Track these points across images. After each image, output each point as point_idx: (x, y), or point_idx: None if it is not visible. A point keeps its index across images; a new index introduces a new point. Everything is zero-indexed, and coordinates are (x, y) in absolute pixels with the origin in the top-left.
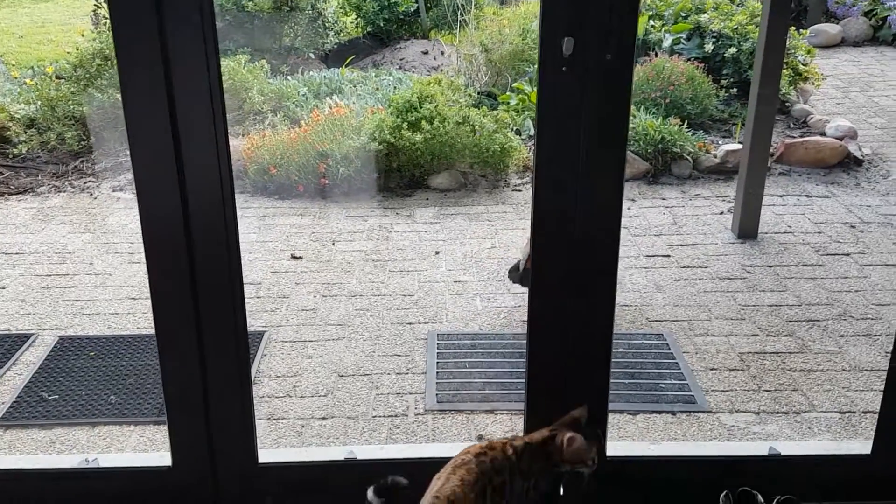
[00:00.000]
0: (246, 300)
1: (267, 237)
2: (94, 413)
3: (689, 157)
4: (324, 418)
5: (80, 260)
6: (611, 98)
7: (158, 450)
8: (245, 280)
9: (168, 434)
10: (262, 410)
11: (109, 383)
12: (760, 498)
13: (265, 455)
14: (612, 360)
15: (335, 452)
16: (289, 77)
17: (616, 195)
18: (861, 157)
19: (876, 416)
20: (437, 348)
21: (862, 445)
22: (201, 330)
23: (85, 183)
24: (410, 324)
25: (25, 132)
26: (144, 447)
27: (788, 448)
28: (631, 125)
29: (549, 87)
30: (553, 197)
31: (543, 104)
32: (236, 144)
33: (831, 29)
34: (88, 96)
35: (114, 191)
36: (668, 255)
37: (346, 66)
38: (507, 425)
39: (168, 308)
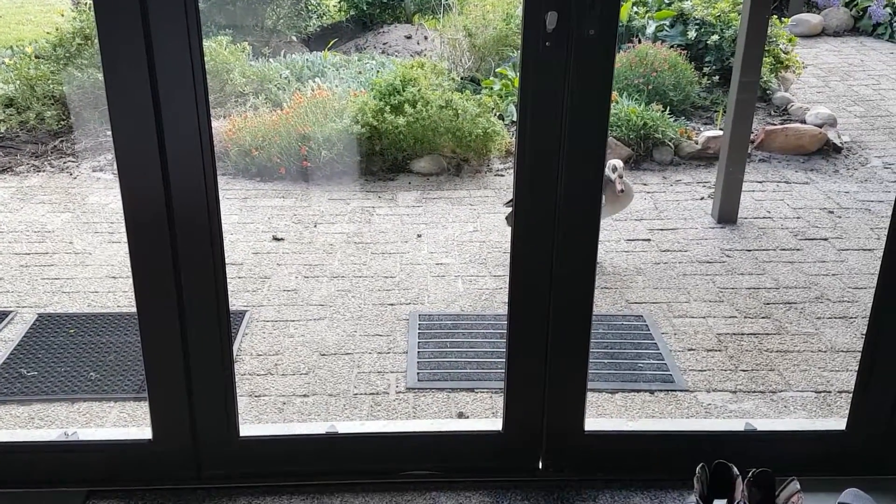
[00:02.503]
0: (228, 280)
1: (248, 219)
2: (73, 389)
3: (670, 144)
4: (305, 396)
5: (60, 239)
6: (593, 73)
7: (139, 425)
8: (227, 261)
9: (148, 407)
10: (243, 388)
11: (89, 360)
12: (736, 471)
13: (246, 430)
14: (592, 340)
15: (316, 427)
16: (271, 60)
17: (597, 169)
18: (840, 145)
19: (850, 395)
20: (419, 328)
21: (836, 422)
22: (183, 307)
23: (64, 163)
24: (392, 305)
25: (4, 111)
26: (124, 423)
27: (764, 424)
28: (613, 111)
29: (533, 62)
30: (536, 171)
31: (527, 79)
32: (218, 126)
33: (812, 18)
34: (68, 76)
35: (94, 171)
36: (649, 240)
37: (328, 50)
38: (487, 404)
39: (150, 286)
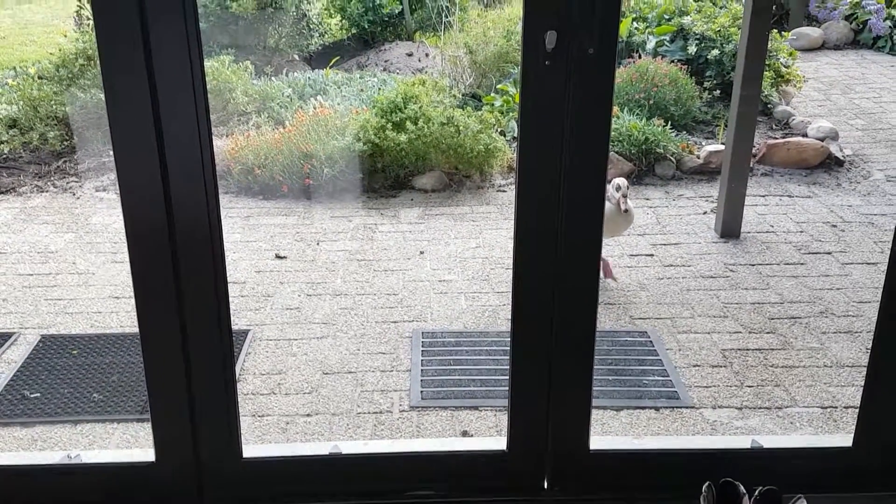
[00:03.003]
0: (231, 299)
1: (251, 237)
2: (76, 411)
3: (672, 158)
4: (308, 415)
5: (63, 259)
6: (594, 91)
7: (142, 447)
8: (229, 280)
9: (151, 429)
10: (246, 408)
11: (92, 381)
12: (742, 489)
13: (249, 450)
14: (597, 357)
15: (320, 447)
16: (273, 78)
17: (599, 187)
18: (842, 158)
19: (857, 410)
20: (422, 346)
21: (843, 439)
22: (185, 328)
23: (67, 183)
24: (395, 322)
25: (7, 132)
26: (128, 444)
27: (771, 441)
28: (615, 126)
29: (533, 81)
30: (536, 189)
31: (527, 97)
32: (220, 145)
33: (813, 32)
34: (71, 96)
35: (97, 191)
36: (652, 255)
37: (330, 68)
38: (491, 422)
39: (152, 306)
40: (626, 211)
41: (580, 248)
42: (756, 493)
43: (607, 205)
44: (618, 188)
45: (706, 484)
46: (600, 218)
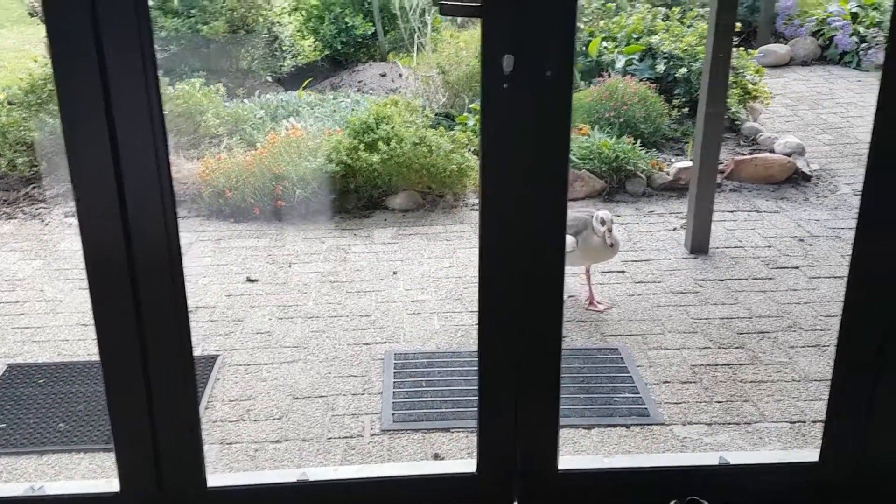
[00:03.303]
0: (200, 324)
1: (222, 260)
2: (42, 441)
3: (642, 175)
4: (277, 441)
5: (31, 287)
6: (552, 112)
7: (108, 477)
8: (199, 304)
9: (115, 459)
10: (214, 435)
11: (59, 411)
12: None
13: (215, 479)
14: (568, 374)
15: (287, 475)
16: (245, 100)
17: (560, 205)
18: (809, 173)
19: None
20: (394, 368)
21: (810, 453)
22: (146, 356)
23: (36, 209)
24: (367, 344)
25: None
26: (94, 474)
27: (738, 457)
28: (586, 144)
29: (492, 103)
30: (499, 211)
31: (487, 119)
32: (191, 168)
33: (780, 49)
34: (40, 122)
35: (66, 216)
36: (623, 272)
37: (303, 89)
38: (463, 443)
39: (112, 335)
40: (612, 245)
41: (545, 269)
42: None
43: (594, 238)
44: (602, 222)
45: (672, 502)
46: (562, 237)
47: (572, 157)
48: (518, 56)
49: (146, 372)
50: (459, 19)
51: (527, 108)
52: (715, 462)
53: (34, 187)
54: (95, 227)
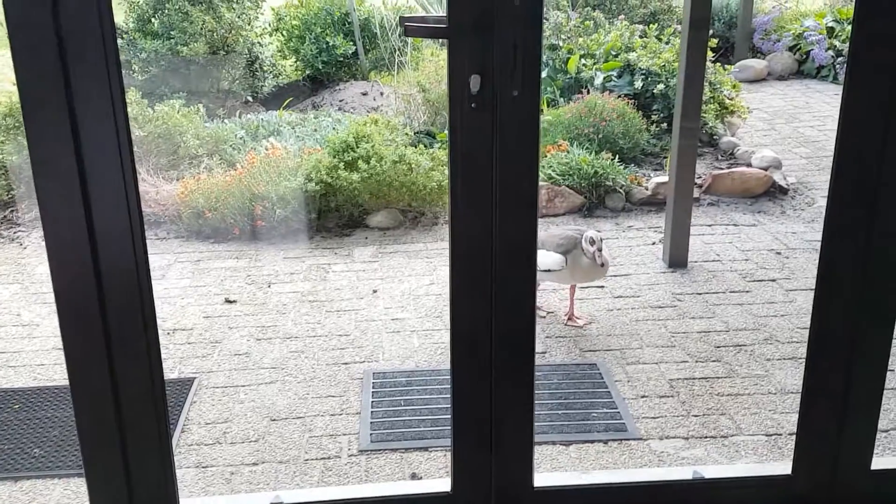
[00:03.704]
0: (177, 347)
1: (201, 281)
2: (16, 468)
3: (621, 190)
4: (254, 464)
5: (7, 311)
6: (520, 132)
7: (81, 502)
8: (177, 326)
9: (86, 485)
10: (190, 459)
11: (34, 436)
12: None
13: (187, 503)
14: (547, 391)
15: (261, 498)
16: (226, 121)
17: (530, 225)
18: (786, 186)
19: None
20: (373, 387)
21: (784, 466)
22: (116, 381)
23: (14, 233)
24: (346, 363)
25: None
26: (68, 500)
27: (712, 471)
28: (565, 160)
29: (460, 124)
30: (470, 230)
31: (455, 140)
32: (171, 189)
33: (758, 64)
34: (18, 145)
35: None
36: (602, 286)
37: (284, 109)
38: (441, 462)
39: (82, 361)
40: (602, 265)
41: (515, 287)
42: None
43: (584, 258)
44: (592, 242)
45: None
46: (533, 255)
47: (552, 174)
48: (485, 76)
49: (116, 398)
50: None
51: (494, 128)
52: (689, 476)
53: (12, 211)
54: (63, 253)
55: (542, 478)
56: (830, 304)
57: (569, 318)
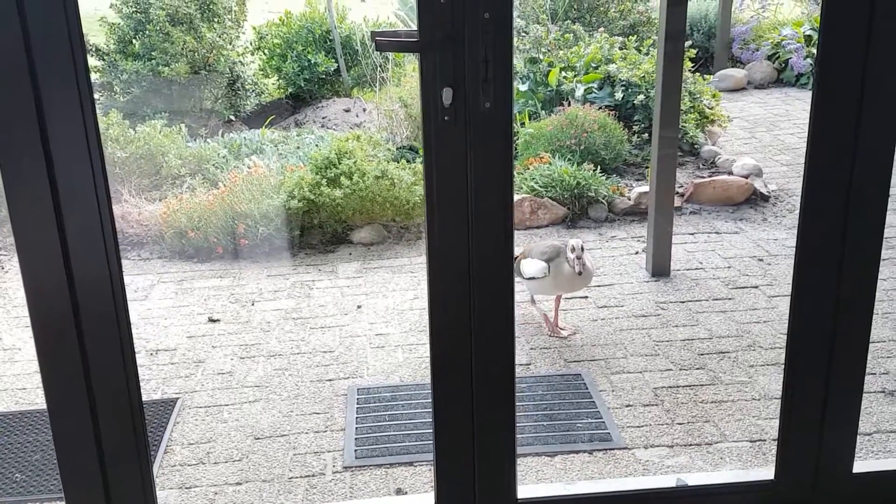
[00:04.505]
0: (160, 367)
1: (184, 301)
2: None
3: (604, 201)
4: (238, 483)
5: None
6: (493, 144)
7: None
8: (159, 347)
9: None
10: (173, 480)
11: (14, 461)
12: None
13: None
14: (531, 402)
15: None
16: (208, 140)
17: (506, 237)
18: (767, 193)
19: None
20: (357, 403)
21: (766, 472)
22: (94, 403)
23: None
24: (330, 380)
25: None
26: None
27: (696, 479)
28: (547, 172)
29: (434, 136)
30: (446, 241)
31: (430, 153)
32: (153, 210)
33: (737, 73)
34: None
35: None
36: (586, 297)
37: (267, 127)
38: (426, 477)
39: (58, 382)
40: (579, 273)
41: (493, 298)
42: None
43: (566, 266)
44: (572, 249)
45: None
46: (510, 266)
47: (535, 186)
48: (457, 89)
49: (95, 419)
50: None
51: (468, 140)
52: (673, 484)
53: None
54: (38, 276)
55: (527, 489)
56: (807, 307)
57: (552, 330)
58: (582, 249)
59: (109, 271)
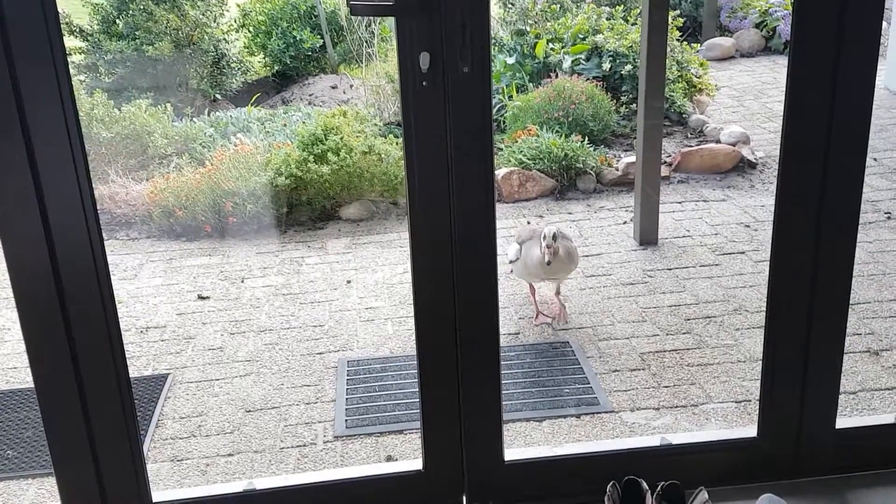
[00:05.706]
0: (150, 344)
1: (173, 280)
2: None
3: (592, 172)
4: (230, 455)
5: None
6: (471, 109)
7: (56, 500)
8: (150, 324)
9: (56, 484)
10: (165, 453)
11: (6, 438)
12: (645, 485)
13: (159, 495)
14: (520, 370)
15: (233, 486)
16: (194, 119)
17: (488, 202)
18: (755, 161)
19: None
20: (347, 375)
21: (749, 430)
22: (81, 379)
23: None
24: (320, 353)
25: None
26: (43, 499)
27: (680, 438)
28: (535, 145)
29: (412, 102)
30: (428, 209)
31: (408, 119)
32: (140, 189)
33: (725, 42)
34: None
35: None
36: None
37: (253, 105)
38: (416, 444)
39: (45, 361)
40: (548, 263)
41: (475, 266)
42: (658, 488)
43: (535, 251)
44: (544, 237)
45: (611, 483)
46: (493, 229)
47: (523, 158)
48: (434, 54)
49: (82, 395)
50: None
51: (447, 105)
52: (657, 444)
53: None
54: (20, 255)
55: (514, 452)
56: (786, 266)
57: (536, 317)
58: (554, 238)
59: (92, 249)
